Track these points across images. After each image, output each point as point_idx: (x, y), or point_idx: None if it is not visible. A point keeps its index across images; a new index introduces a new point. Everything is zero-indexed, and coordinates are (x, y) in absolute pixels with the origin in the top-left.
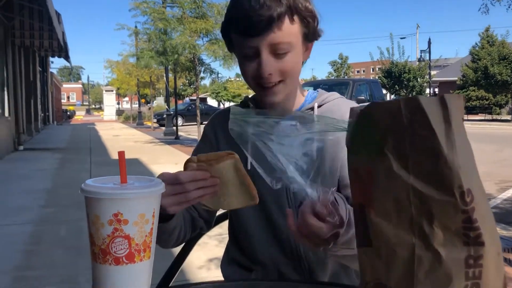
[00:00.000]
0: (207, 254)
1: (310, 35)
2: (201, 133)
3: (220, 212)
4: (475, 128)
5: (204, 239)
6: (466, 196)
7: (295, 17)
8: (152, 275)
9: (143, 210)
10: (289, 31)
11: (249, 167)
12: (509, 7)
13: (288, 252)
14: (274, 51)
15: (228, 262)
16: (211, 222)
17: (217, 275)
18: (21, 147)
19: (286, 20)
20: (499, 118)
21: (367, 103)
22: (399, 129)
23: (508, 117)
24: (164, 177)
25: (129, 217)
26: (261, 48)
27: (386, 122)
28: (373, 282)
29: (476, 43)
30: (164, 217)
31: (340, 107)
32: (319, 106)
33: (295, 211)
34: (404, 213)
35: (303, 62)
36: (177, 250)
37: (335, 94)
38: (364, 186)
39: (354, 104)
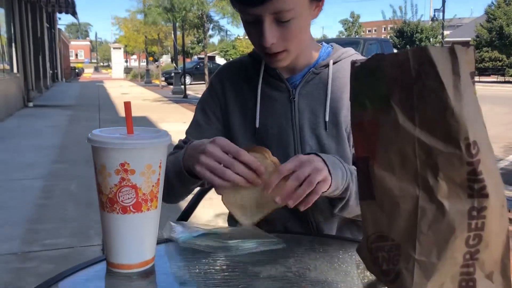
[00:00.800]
0: (214, 210)
1: None
2: (208, 84)
3: None
4: (487, 90)
5: (210, 194)
6: (472, 148)
7: None
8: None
9: (149, 161)
10: None
11: (257, 125)
12: None
13: (295, 212)
14: (277, 19)
15: (233, 217)
16: None
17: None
18: (31, 104)
19: None
20: None
21: (366, 57)
22: (406, 80)
23: None
24: (222, 142)
25: (135, 167)
26: (262, 17)
27: (392, 73)
28: (375, 235)
29: (492, 2)
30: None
31: None
32: (334, 63)
33: None
34: (409, 165)
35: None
36: (184, 203)
37: (350, 50)
38: (368, 139)
39: None
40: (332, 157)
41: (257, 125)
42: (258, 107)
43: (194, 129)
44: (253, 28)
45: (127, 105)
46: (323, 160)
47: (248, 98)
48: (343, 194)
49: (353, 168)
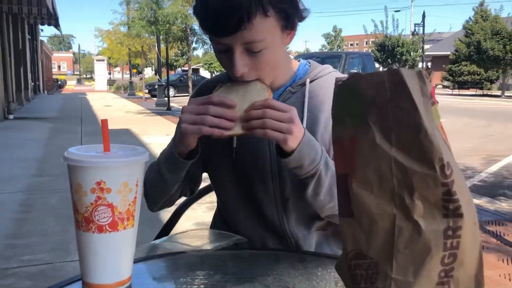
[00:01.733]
0: (196, 220)
1: (290, 23)
2: (188, 103)
3: (203, 184)
4: (466, 103)
5: (193, 206)
6: (446, 169)
7: (269, 11)
8: (137, 247)
9: (126, 179)
10: (263, 27)
11: (234, 145)
12: None
13: (273, 229)
14: (247, 49)
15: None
16: (195, 191)
17: None
18: (11, 116)
19: (258, 16)
20: (490, 93)
21: (348, 75)
22: (382, 101)
23: (499, 93)
24: (196, 98)
25: (112, 186)
26: (233, 47)
27: (369, 93)
28: (354, 252)
29: (470, 18)
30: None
31: (332, 83)
32: (311, 81)
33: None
34: (386, 184)
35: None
36: (165, 218)
37: (328, 68)
38: (347, 156)
39: None
40: (317, 144)
41: (234, 145)
42: None
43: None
44: (225, 56)
45: (104, 122)
46: (303, 136)
47: None
48: (307, 179)
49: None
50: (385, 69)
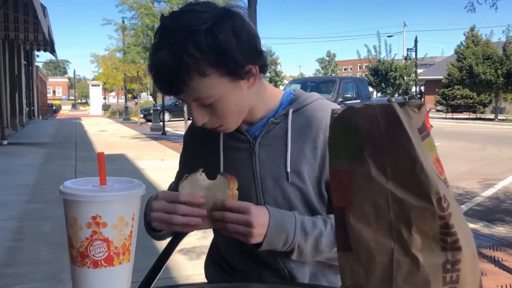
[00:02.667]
0: (192, 253)
1: (239, 74)
2: (183, 143)
3: None
4: (460, 127)
5: (189, 236)
6: (443, 202)
7: (208, 70)
8: (133, 276)
9: (122, 213)
10: (205, 85)
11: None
12: (493, 5)
13: (265, 262)
14: (201, 104)
15: (211, 264)
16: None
17: (201, 272)
18: (5, 142)
19: (195, 78)
20: (483, 116)
21: (344, 107)
22: (376, 135)
23: (492, 116)
24: (165, 193)
25: (108, 220)
26: (186, 101)
27: (365, 127)
28: (352, 286)
29: (461, 42)
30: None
31: (317, 112)
32: (294, 111)
33: None
34: (383, 218)
35: (261, 68)
36: (161, 246)
37: (313, 96)
38: (344, 190)
39: (335, 106)
40: (288, 216)
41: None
42: (221, 160)
43: (176, 180)
44: (188, 107)
45: (101, 156)
46: (269, 221)
47: (212, 152)
48: (288, 253)
49: (319, 219)
50: (379, 95)
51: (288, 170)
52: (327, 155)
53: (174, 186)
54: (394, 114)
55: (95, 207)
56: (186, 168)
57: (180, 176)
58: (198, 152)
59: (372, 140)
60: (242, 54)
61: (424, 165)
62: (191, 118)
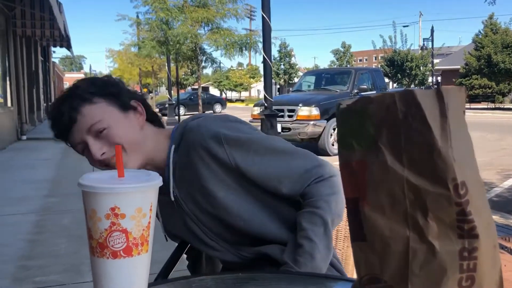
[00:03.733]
0: None
1: (125, 104)
2: None
3: None
4: (478, 117)
5: None
6: (460, 189)
7: (96, 99)
8: (151, 266)
9: (140, 204)
10: (95, 111)
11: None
12: None
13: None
14: (95, 134)
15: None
16: None
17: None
18: (24, 137)
19: (85, 106)
20: (502, 106)
21: (356, 98)
22: (393, 122)
23: (511, 106)
24: None
25: (126, 211)
26: (82, 138)
27: (380, 116)
28: (368, 276)
29: (480, 31)
30: None
31: (192, 134)
32: (176, 149)
33: None
34: (399, 206)
35: (151, 119)
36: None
37: (182, 123)
38: (357, 180)
39: (201, 124)
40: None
41: (166, 240)
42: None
43: None
44: (87, 152)
45: (118, 148)
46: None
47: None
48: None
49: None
50: (395, 86)
51: (173, 198)
52: (221, 161)
53: None
54: (414, 99)
55: (113, 199)
56: None
57: None
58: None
59: (388, 128)
60: (124, 90)
61: (442, 151)
62: (91, 162)
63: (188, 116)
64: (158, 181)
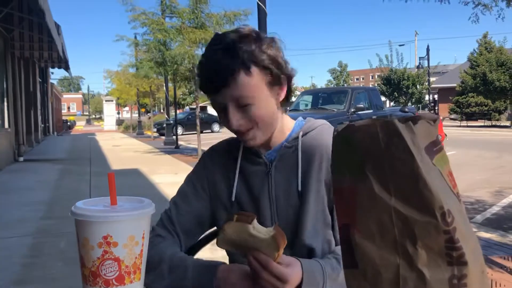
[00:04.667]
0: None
1: (275, 81)
2: (199, 159)
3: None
4: (475, 135)
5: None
6: (447, 217)
7: (253, 69)
8: None
9: (132, 232)
10: (247, 84)
11: (233, 199)
12: (499, 17)
13: None
14: (238, 105)
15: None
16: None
17: None
18: (21, 158)
19: (242, 74)
20: (498, 124)
21: (345, 124)
22: (377, 151)
23: (507, 123)
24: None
25: (118, 240)
26: (225, 103)
27: (365, 143)
28: None
29: (475, 50)
30: None
31: (323, 135)
32: (303, 135)
33: None
34: (388, 234)
35: (283, 102)
36: None
37: (319, 121)
38: (348, 207)
39: None
40: (318, 276)
41: (233, 199)
42: (236, 182)
43: (181, 199)
44: (222, 114)
45: (111, 176)
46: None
47: (231, 173)
48: None
49: (333, 261)
50: (392, 105)
51: (299, 189)
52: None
53: (179, 204)
54: (395, 130)
55: (106, 227)
56: (193, 187)
57: (184, 194)
58: (219, 171)
59: (373, 156)
60: (281, 61)
61: (427, 181)
62: (228, 122)
63: (189, 134)
64: (150, 208)
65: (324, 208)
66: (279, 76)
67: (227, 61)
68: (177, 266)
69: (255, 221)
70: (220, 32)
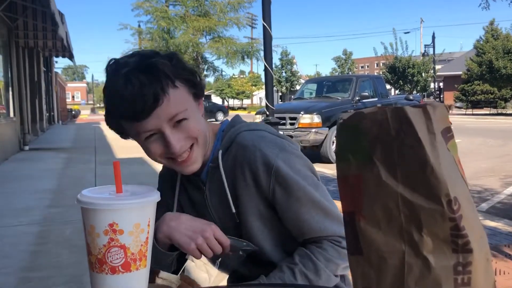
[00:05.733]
0: None
1: (199, 91)
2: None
3: None
4: (480, 123)
5: None
6: (453, 204)
7: (178, 82)
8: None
9: (138, 220)
10: (179, 98)
11: None
12: (511, 2)
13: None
14: (173, 124)
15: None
16: None
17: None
18: (27, 147)
19: (171, 90)
20: (504, 112)
21: (351, 113)
22: (386, 138)
23: None
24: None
25: (124, 227)
26: (161, 126)
27: (373, 131)
28: None
29: (481, 37)
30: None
31: (237, 152)
32: (223, 153)
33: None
34: (394, 221)
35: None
36: None
37: (236, 130)
38: (353, 194)
39: (256, 136)
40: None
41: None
42: (175, 204)
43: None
44: (155, 141)
45: (116, 165)
46: None
47: (172, 195)
48: None
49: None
50: (397, 93)
51: (233, 211)
52: (261, 188)
53: None
54: (405, 116)
55: (111, 215)
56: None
57: None
58: (163, 195)
59: (382, 143)
60: (195, 73)
61: (434, 167)
62: (167, 148)
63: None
64: (156, 196)
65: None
66: (200, 86)
67: (151, 80)
68: None
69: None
70: (116, 58)
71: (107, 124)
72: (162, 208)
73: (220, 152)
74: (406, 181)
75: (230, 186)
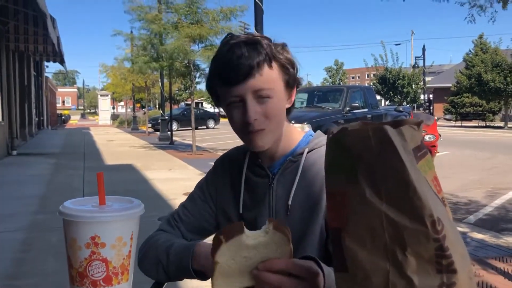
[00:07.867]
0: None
1: (291, 81)
2: (213, 166)
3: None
4: (469, 135)
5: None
6: (437, 225)
7: (274, 64)
8: None
9: (120, 233)
10: (270, 76)
11: (240, 211)
12: (491, 19)
13: None
14: (257, 97)
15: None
16: None
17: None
18: (15, 152)
19: (265, 67)
20: (493, 124)
21: (339, 127)
22: (369, 157)
23: (501, 124)
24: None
25: (106, 240)
26: (245, 95)
27: (357, 149)
28: None
29: (470, 50)
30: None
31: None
32: (309, 151)
33: None
34: (378, 239)
35: (288, 110)
36: None
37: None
38: (339, 210)
39: None
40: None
41: (241, 211)
42: (241, 194)
43: (189, 201)
44: (237, 108)
45: (100, 176)
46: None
47: (237, 184)
48: None
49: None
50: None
51: (290, 203)
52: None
53: (186, 205)
54: (386, 136)
55: (94, 228)
56: (202, 193)
57: (192, 198)
58: (227, 181)
59: (365, 161)
60: (295, 64)
61: (417, 188)
62: (244, 115)
63: (184, 130)
64: (139, 209)
65: (313, 227)
66: (294, 77)
67: (253, 53)
68: (161, 252)
69: (245, 228)
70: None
71: (206, 87)
72: (227, 192)
73: (307, 149)
74: (390, 201)
75: (301, 182)
